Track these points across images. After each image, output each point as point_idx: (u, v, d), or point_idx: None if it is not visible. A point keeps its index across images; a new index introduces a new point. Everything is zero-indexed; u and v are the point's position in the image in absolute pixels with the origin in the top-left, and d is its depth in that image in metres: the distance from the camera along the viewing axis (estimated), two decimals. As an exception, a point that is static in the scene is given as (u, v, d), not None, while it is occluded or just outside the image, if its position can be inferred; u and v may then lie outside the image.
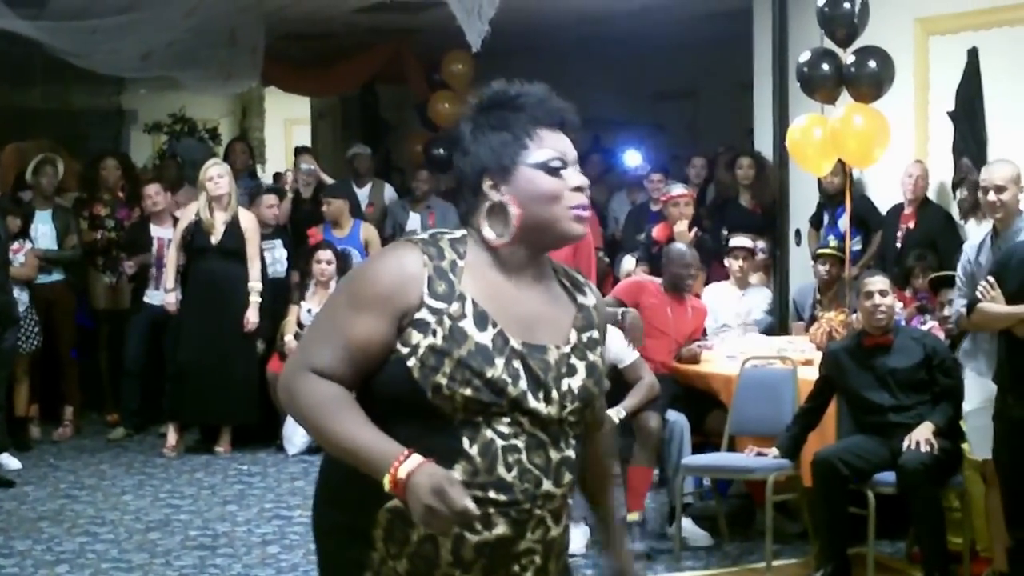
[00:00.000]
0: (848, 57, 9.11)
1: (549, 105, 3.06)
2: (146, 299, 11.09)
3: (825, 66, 9.26)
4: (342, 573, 3.03)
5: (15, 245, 10.30)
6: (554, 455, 2.96)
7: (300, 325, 10.66)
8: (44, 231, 11.03)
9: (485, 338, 2.90)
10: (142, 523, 8.60)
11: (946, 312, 7.92)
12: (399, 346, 2.89)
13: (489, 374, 2.88)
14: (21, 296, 10.27)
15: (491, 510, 2.89)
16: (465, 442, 2.88)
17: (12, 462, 9.82)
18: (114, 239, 11.58)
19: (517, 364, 2.91)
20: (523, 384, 2.91)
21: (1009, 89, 9.33)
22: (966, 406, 7.02)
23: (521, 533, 2.93)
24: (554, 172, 2.98)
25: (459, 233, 3.05)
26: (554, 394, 2.94)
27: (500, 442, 2.89)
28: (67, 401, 11.43)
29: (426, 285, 2.91)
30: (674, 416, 8.15)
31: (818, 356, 8.06)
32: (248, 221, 10.51)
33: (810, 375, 7.75)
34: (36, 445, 10.91)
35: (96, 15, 11.74)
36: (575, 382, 2.99)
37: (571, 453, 3.00)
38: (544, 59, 13.59)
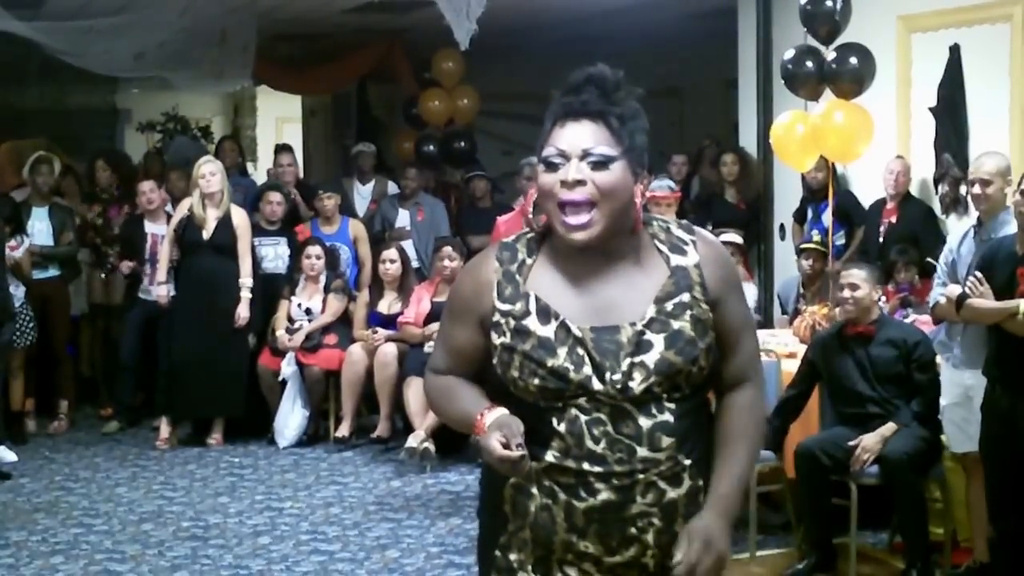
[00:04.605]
0: (830, 54, 9.21)
1: (574, 96, 3.05)
2: (141, 295, 11.16)
3: (808, 63, 9.35)
4: (485, 542, 3.27)
5: (12, 242, 10.37)
6: (644, 422, 3.01)
7: (291, 319, 10.79)
8: (40, 228, 11.11)
9: (548, 331, 3.04)
10: (135, 514, 8.67)
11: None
12: (491, 349, 3.13)
13: (551, 363, 3.02)
14: (17, 292, 10.34)
15: (591, 479, 3.01)
16: (554, 422, 3.04)
17: (8, 455, 9.87)
18: (104, 236, 11.77)
19: (580, 351, 3.01)
20: (587, 369, 3.00)
21: (990, 86, 9.34)
22: (943, 400, 7.04)
23: (629, 498, 3.01)
24: (551, 167, 3.03)
25: (543, 228, 3.19)
26: (617, 376, 2.99)
27: (584, 417, 3.01)
28: (62, 395, 11.52)
29: (495, 291, 3.12)
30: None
31: (801, 349, 8.03)
32: (240, 218, 10.59)
33: (793, 368, 7.72)
34: (32, 438, 10.99)
35: (90, 16, 11.83)
36: (650, 357, 3.01)
37: (667, 417, 3.02)
38: (531, 57, 13.64)
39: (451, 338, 3.24)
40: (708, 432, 3.16)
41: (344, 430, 10.48)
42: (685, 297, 3.07)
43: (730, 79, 12.74)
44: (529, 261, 3.14)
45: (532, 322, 3.05)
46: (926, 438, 7.03)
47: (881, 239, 9.78)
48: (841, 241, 10.19)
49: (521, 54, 14.87)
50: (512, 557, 3.16)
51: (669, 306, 3.05)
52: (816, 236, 9.96)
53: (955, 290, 6.64)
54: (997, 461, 6.48)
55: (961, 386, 6.92)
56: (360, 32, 14.80)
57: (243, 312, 10.48)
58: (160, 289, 10.67)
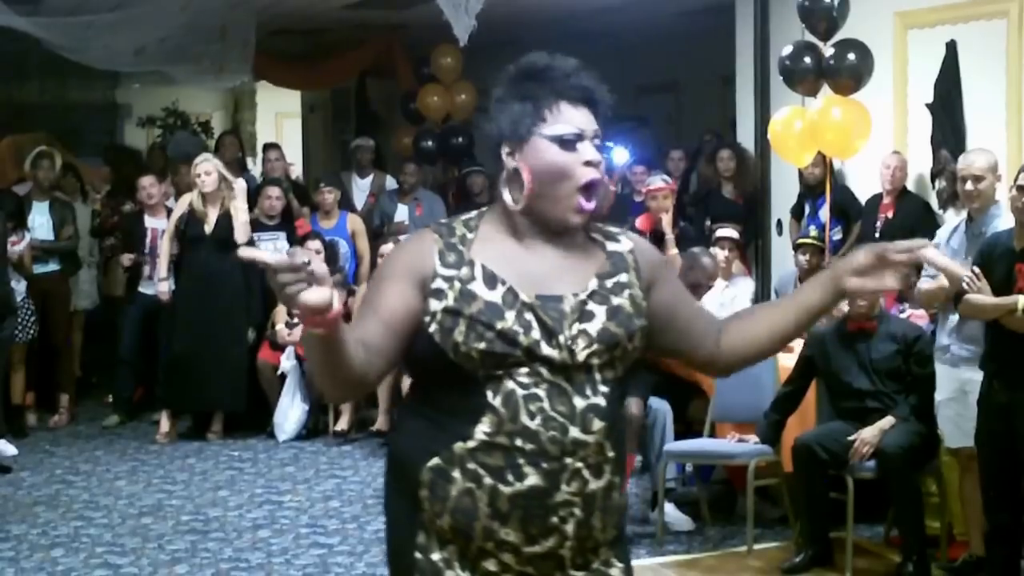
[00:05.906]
0: (828, 50, 9.23)
1: (574, 80, 3.10)
2: (140, 289, 11.21)
3: (806, 59, 9.38)
4: (402, 534, 3.18)
5: (14, 237, 10.40)
6: (579, 402, 3.00)
7: (290, 314, 10.79)
8: (41, 222, 11.16)
9: (495, 296, 3.00)
10: (135, 508, 8.70)
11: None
12: (425, 317, 3.02)
13: (499, 326, 2.97)
14: (18, 287, 10.36)
15: (520, 460, 2.97)
16: (489, 395, 2.97)
17: (9, 448, 9.86)
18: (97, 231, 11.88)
19: (528, 316, 2.99)
20: (535, 333, 2.97)
21: (986, 81, 9.40)
22: (938, 396, 7.06)
23: (555, 484, 2.97)
24: (567, 145, 3.04)
25: (475, 213, 3.20)
26: (563, 339, 2.99)
27: (521, 391, 2.97)
28: (62, 389, 11.55)
29: (437, 256, 3.05)
30: (657, 403, 8.19)
31: (798, 343, 8.10)
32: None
33: (791, 363, 7.76)
34: (32, 432, 11.03)
35: (90, 11, 11.83)
36: (593, 326, 3.02)
37: (599, 400, 3.02)
38: (529, 53, 13.58)
39: (379, 299, 3.06)
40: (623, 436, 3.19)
41: (343, 424, 10.53)
42: (623, 278, 3.14)
43: (727, 75, 12.76)
44: (471, 236, 3.12)
45: (478, 287, 3.02)
46: (922, 433, 7.07)
47: (878, 234, 9.78)
48: (838, 236, 10.21)
49: (519, 50, 14.80)
50: (435, 557, 3.08)
51: (609, 283, 3.11)
52: (813, 231, 9.95)
53: (942, 279, 6.70)
54: (993, 455, 6.50)
55: (957, 381, 6.94)
56: (359, 28, 14.83)
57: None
58: (162, 285, 10.72)
